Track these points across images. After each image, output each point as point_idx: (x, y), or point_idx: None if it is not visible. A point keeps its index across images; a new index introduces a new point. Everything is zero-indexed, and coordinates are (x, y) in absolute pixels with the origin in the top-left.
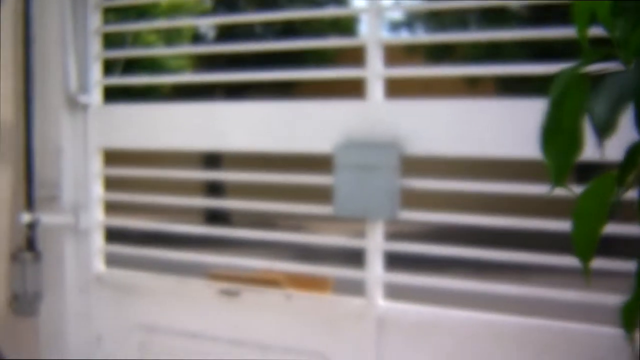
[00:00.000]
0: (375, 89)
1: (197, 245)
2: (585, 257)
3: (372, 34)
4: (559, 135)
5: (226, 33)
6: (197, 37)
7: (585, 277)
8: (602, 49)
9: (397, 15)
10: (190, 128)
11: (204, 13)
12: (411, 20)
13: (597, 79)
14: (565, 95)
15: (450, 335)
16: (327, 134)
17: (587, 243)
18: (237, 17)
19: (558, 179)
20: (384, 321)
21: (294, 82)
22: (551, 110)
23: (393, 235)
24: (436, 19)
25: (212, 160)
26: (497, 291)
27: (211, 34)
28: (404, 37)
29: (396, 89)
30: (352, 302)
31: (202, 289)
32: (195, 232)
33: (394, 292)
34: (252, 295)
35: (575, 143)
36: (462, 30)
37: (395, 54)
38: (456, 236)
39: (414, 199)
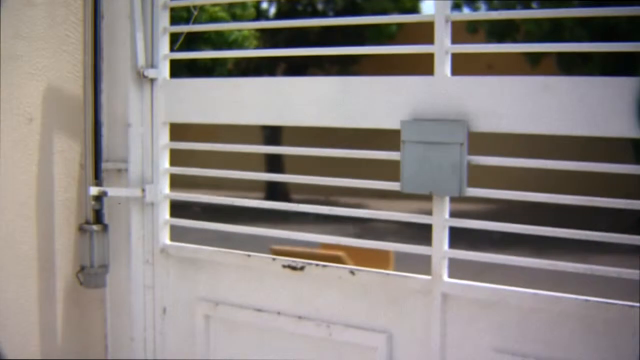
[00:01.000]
0: (443, 64)
1: (258, 220)
2: None
3: (439, 10)
4: None
5: (288, 12)
6: (259, 14)
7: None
8: None
9: None
10: (257, 103)
11: None
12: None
13: None
14: None
15: (512, 312)
16: (393, 109)
17: None
18: None
19: None
20: (449, 297)
21: (352, 63)
22: None
23: (458, 213)
24: None
25: (272, 137)
26: (559, 269)
27: (272, 11)
28: (473, 13)
29: (459, 69)
30: (417, 279)
31: (266, 263)
32: (259, 206)
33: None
34: (316, 270)
35: None
36: (525, 8)
37: (457, 34)
38: (520, 216)
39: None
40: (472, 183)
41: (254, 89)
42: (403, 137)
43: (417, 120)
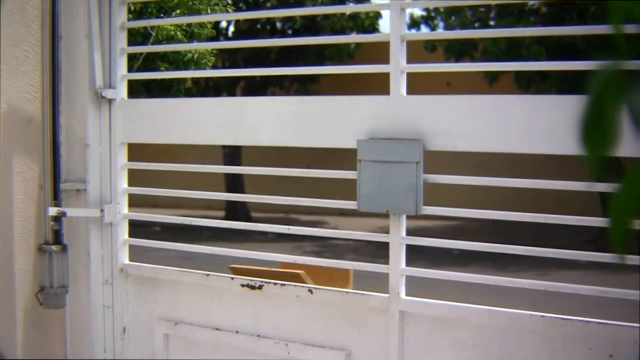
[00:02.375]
0: (399, 83)
1: (219, 238)
2: (621, 251)
3: (395, 30)
4: (598, 128)
5: (246, 31)
6: (218, 33)
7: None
8: (636, 46)
9: (416, 12)
10: (214, 123)
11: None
12: (431, 17)
13: (634, 76)
14: (605, 90)
15: (470, 329)
16: (350, 129)
17: (622, 237)
18: (258, 13)
19: (596, 171)
20: (407, 315)
21: (311, 82)
22: (591, 104)
23: (416, 230)
24: (455, 17)
25: (232, 155)
26: (516, 285)
27: (231, 30)
28: (427, 32)
29: (418, 87)
30: (375, 297)
31: (225, 283)
32: (218, 225)
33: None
34: (275, 289)
35: (613, 137)
36: (481, 27)
37: (416, 53)
38: (481, 232)
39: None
40: (435, 200)
41: (211, 108)
42: (359, 156)
43: (373, 140)
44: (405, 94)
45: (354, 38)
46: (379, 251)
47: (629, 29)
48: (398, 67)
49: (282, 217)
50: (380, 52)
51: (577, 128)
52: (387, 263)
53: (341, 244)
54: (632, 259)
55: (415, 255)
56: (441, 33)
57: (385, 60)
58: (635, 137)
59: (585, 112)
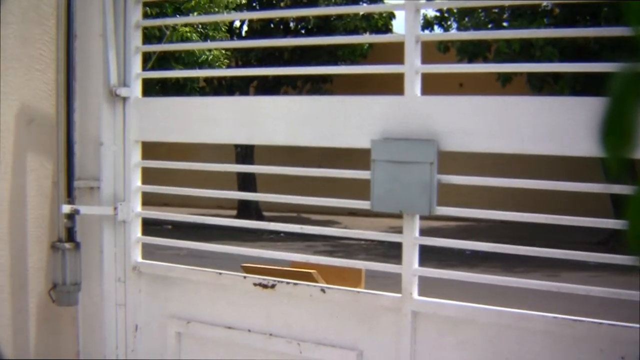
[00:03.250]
0: (413, 84)
1: (230, 237)
2: (638, 252)
3: (409, 30)
4: (617, 131)
5: (260, 30)
6: (231, 32)
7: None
8: None
9: (429, 13)
10: (228, 122)
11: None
12: (445, 18)
13: None
14: (625, 92)
15: (481, 329)
16: (364, 129)
17: (639, 239)
18: (271, 13)
19: (615, 173)
20: (419, 315)
21: (323, 82)
22: (611, 106)
23: (429, 230)
24: (469, 18)
25: (245, 154)
26: (527, 286)
27: (245, 30)
28: (442, 33)
29: (430, 88)
30: (387, 296)
31: (237, 281)
32: (230, 224)
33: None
34: (287, 289)
35: (633, 139)
36: (494, 28)
37: (429, 54)
38: (492, 233)
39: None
40: (445, 200)
41: (226, 107)
42: (373, 156)
43: (387, 140)
44: (419, 94)
45: (368, 38)
46: (391, 251)
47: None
48: (413, 67)
49: (294, 216)
50: (393, 53)
51: (596, 130)
52: (399, 263)
53: (352, 243)
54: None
55: (424, 255)
56: (455, 34)
57: (398, 61)
58: None
59: (605, 114)
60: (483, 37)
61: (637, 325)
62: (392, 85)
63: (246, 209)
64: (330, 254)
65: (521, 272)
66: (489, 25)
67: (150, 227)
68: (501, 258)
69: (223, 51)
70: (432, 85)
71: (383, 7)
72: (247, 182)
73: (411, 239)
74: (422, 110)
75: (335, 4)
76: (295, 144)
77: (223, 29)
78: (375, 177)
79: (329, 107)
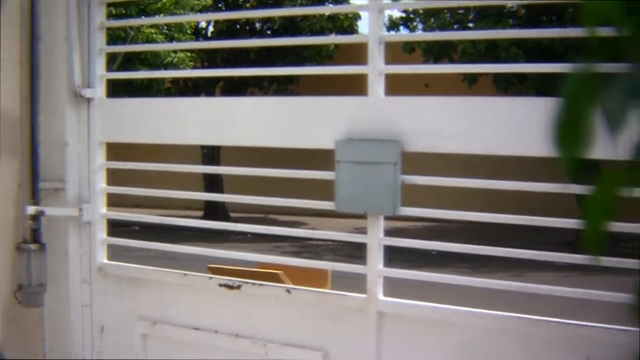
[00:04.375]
0: (377, 85)
1: (195, 239)
2: (595, 252)
3: (373, 31)
4: (572, 131)
5: (226, 31)
6: (197, 33)
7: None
8: (610, 48)
9: (395, 14)
10: (193, 123)
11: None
12: (410, 19)
13: (608, 78)
14: (579, 92)
15: (447, 330)
16: (329, 129)
17: (596, 239)
18: (237, 14)
19: (571, 173)
20: (384, 315)
21: (290, 82)
22: (565, 106)
23: (396, 231)
24: (434, 18)
25: (211, 155)
26: (492, 287)
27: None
28: (406, 34)
29: (396, 88)
30: (353, 297)
31: (203, 282)
32: (196, 225)
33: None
34: (253, 289)
35: (587, 139)
36: (460, 29)
37: (395, 55)
38: (457, 234)
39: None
40: (417, 201)
41: (192, 108)
42: (337, 156)
43: (352, 140)
44: (383, 95)
45: (332, 39)
46: (357, 252)
47: (604, 31)
48: (376, 68)
49: (261, 217)
50: (359, 53)
51: (551, 130)
52: (365, 264)
53: (320, 244)
54: (606, 261)
55: (393, 256)
56: (419, 35)
57: (364, 62)
58: (609, 139)
59: (559, 114)
60: (447, 38)
61: (602, 325)
62: (360, 86)
63: (213, 210)
64: (297, 254)
65: (488, 272)
66: (455, 26)
67: (119, 228)
68: (469, 259)
69: (188, 53)
70: (399, 85)
71: (346, 8)
72: (213, 183)
73: (376, 239)
74: (385, 110)
75: (301, 5)
76: (260, 145)
77: (189, 31)
78: (339, 178)
79: (293, 108)
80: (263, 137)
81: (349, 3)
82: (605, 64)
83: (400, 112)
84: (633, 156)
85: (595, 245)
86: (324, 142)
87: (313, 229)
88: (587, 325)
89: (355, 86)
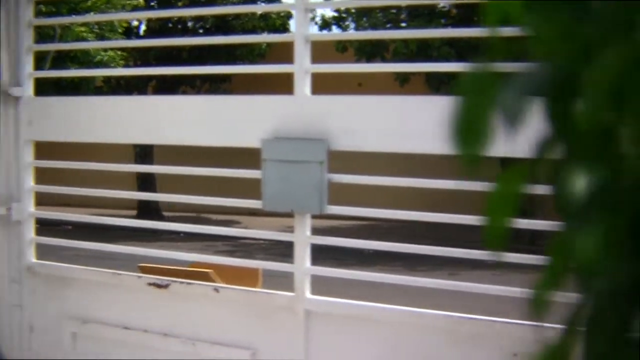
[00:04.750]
0: (303, 83)
1: (128, 238)
2: (497, 249)
3: (299, 30)
4: (470, 129)
5: (158, 30)
6: (129, 32)
7: (498, 268)
8: (511, 47)
9: (328, 13)
10: (122, 121)
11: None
12: (342, 18)
13: (507, 76)
14: (477, 90)
15: (374, 327)
16: (256, 128)
17: (498, 235)
18: (169, 12)
19: (470, 171)
20: (312, 314)
21: (222, 81)
22: (464, 104)
23: (330, 230)
24: (367, 18)
25: (144, 154)
26: (424, 285)
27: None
28: (332, 33)
29: (330, 88)
30: (280, 295)
31: (132, 282)
32: (128, 225)
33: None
34: (181, 288)
35: (486, 136)
36: (393, 28)
37: (328, 54)
38: (393, 233)
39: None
40: (354, 200)
41: (121, 107)
42: (264, 155)
43: (278, 139)
44: (309, 93)
45: (259, 38)
46: (289, 251)
47: (506, 30)
48: (302, 67)
49: (194, 216)
50: (291, 52)
51: (450, 128)
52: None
53: (253, 243)
54: (515, 258)
55: (327, 254)
56: (346, 34)
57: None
58: (508, 137)
59: (458, 112)
60: (374, 37)
61: (529, 323)
62: (292, 84)
63: (146, 209)
64: (229, 253)
65: (422, 270)
66: (387, 26)
67: (50, 227)
68: (403, 257)
69: (119, 52)
70: (332, 85)
71: (273, 7)
72: (146, 182)
73: (303, 238)
74: (312, 109)
75: (232, 3)
76: (189, 144)
77: (119, 30)
78: (265, 177)
79: (221, 107)
80: (191, 136)
81: (281, 2)
82: (505, 63)
83: (326, 111)
84: (533, 153)
85: (497, 241)
86: (251, 140)
87: (245, 227)
88: (514, 323)
89: (288, 84)
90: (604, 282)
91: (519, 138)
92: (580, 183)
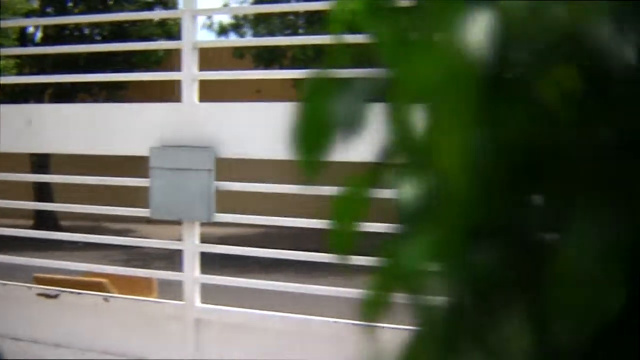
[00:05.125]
0: (191, 91)
1: (26, 249)
2: (343, 254)
3: (186, 37)
4: (308, 135)
5: (55, 36)
6: (25, 40)
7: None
8: (354, 52)
9: (226, 20)
10: (9, 130)
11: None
12: (240, 25)
13: (349, 81)
14: (314, 96)
15: (265, 335)
16: (144, 136)
17: (344, 239)
18: (62, 19)
19: (308, 178)
20: (202, 322)
21: (119, 88)
22: (300, 110)
23: (228, 237)
24: (264, 24)
25: (41, 163)
26: (313, 292)
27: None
28: (220, 40)
29: (228, 94)
30: (170, 304)
31: (22, 292)
32: (22, 235)
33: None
34: (71, 298)
35: (325, 143)
36: (291, 35)
37: (226, 60)
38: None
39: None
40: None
41: (7, 115)
42: (152, 163)
43: (166, 147)
44: (197, 101)
45: (147, 45)
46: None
47: (350, 36)
48: (189, 74)
49: (93, 225)
50: None
51: (291, 133)
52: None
53: (151, 252)
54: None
55: (227, 262)
56: (235, 40)
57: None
58: (346, 142)
59: (299, 117)
60: (263, 44)
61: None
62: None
63: (43, 219)
64: (126, 262)
65: (318, 277)
66: (286, 32)
67: None
68: (304, 264)
69: (12, 60)
70: (230, 92)
71: (159, 14)
72: (43, 191)
73: (191, 246)
74: (199, 117)
75: (129, 11)
76: (75, 152)
77: (12, 37)
78: (153, 185)
79: (110, 115)
80: (79, 144)
81: (177, 8)
82: (348, 69)
83: (213, 118)
84: (376, 158)
85: (342, 245)
86: (139, 149)
87: (140, 236)
88: (400, 328)
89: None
90: (427, 297)
91: (365, 143)
92: (409, 191)
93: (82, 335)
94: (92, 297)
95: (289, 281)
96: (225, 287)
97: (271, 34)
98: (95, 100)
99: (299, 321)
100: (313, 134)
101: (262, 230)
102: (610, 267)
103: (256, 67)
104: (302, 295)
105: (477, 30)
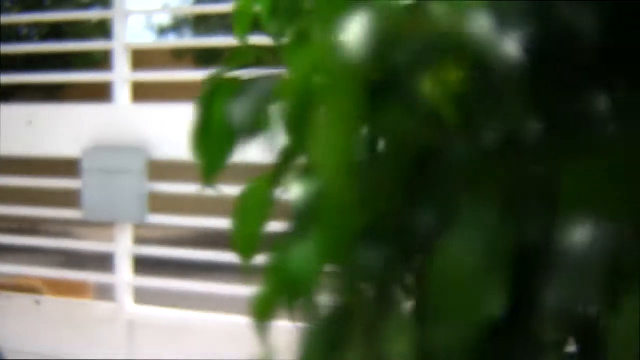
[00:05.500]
0: (122, 92)
1: None
2: (246, 255)
3: (118, 38)
4: (208, 136)
5: None
6: None
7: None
8: (255, 53)
9: (165, 20)
10: None
11: None
12: (179, 25)
13: (248, 83)
14: (213, 97)
15: (194, 336)
16: (76, 137)
17: (248, 241)
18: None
19: (208, 179)
20: (135, 324)
21: (57, 89)
22: (200, 112)
23: (166, 240)
24: (203, 25)
25: None
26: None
27: None
28: (153, 41)
29: (167, 94)
30: (102, 306)
31: None
32: None
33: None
34: (1, 301)
35: (225, 145)
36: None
37: (165, 59)
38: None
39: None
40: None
41: None
42: (84, 164)
43: (98, 148)
44: (128, 102)
45: (77, 46)
46: (135, 261)
47: (253, 37)
48: (121, 75)
49: (28, 227)
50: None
51: (190, 135)
52: (134, 272)
53: (87, 255)
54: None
55: (168, 265)
56: (169, 42)
57: (135, 67)
58: (244, 144)
59: (196, 119)
60: (195, 45)
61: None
62: (138, 91)
63: None
64: (63, 264)
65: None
66: (227, 32)
67: None
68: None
69: None
70: (173, 93)
71: (90, 14)
72: None
73: (123, 248)
74: (131, 118)
75: (66, 9)
76: (6, 154)
77: None
78: (85, 186)
79: (42, 116)
80: (11, 146)
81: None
82: (249, 70)
83: (145, 119)
84: (275, 159)
85: (245, 247)
86: (71, 150)
87: (77, 238)
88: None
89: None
90: (315, 297)
91: (266, 144)
92: (301, 192)
93: (14, 339)
94: (21, 299)
95: (229, 282)
96: (169, 290)
97: (212, 34)
98: (33, 101)
99: (234, 322)
100: (210, 136)
101: (204, 232)
102: (492, 270)
103: (197, 68)
104: (242, 297)
105: (354, 31)
